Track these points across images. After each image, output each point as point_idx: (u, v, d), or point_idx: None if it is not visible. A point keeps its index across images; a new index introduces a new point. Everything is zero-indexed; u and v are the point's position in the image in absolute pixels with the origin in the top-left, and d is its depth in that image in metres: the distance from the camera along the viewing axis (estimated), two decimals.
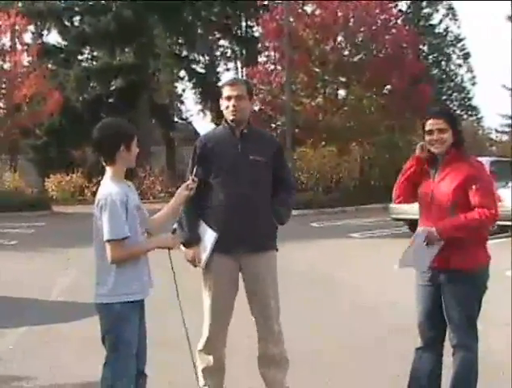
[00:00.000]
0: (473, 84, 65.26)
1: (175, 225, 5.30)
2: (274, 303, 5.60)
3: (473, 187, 4.91)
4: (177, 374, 6.22)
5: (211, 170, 5.46)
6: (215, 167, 5.46)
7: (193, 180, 5.19)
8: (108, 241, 4.46)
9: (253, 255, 5.47)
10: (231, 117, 5.49)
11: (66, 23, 48.66)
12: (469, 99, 65.25)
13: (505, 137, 52.82)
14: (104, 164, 4.66)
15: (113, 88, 48.08)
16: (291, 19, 34.21)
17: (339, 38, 36.38)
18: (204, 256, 5.48)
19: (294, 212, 5.87)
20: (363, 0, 35.13)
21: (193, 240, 5.54)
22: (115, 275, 4.54)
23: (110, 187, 4.55)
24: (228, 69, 59.31)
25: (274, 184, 5.61)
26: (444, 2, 62.33)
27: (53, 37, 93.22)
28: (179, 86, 58.00)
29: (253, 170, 5.45)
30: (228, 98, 5.47)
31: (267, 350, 5.58)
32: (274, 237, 5.68)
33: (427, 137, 5.12)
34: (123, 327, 4.56)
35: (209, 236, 5.45)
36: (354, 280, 12.22)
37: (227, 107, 5.50)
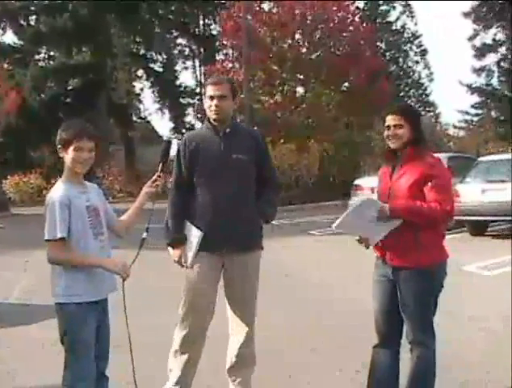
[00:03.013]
0: (430, 80, 66.17)
1: (144, 234, 5.25)
2: (255, 303, 5.63)
3: (429, 184, 4.93)
4: (139, 376, 6.19)
5: (196, 170, 5.43)
6: (198, 167, 5.42)
7: (158, 176, 5.13)
8: (46, 241, 4.46)
9: (238, 254, 5.44)
10: (213, 117, 5.46)
11: (22, 22, 48.33)
12: (427, 95, 66.06)
13: (462, 133, 53.39)
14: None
15: (70, 88, 47.85)
16: (249, 17, 34.24)
17: (297, 36, 36.55)
18: (190, 256, 5.45)
19: None
20: None
21: (179, 240, 5.51)
22: (66, 276, 4.51)
23: (56, 188, 4.55)
24: (186, 68, 59.49)
25: (258, 182, 5.57)
26: (401, 0, 62.99)
27: (9, 37, 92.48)
28: (137, 85, 58.01)
29: (237, 168, 5.41)
30: (211, 97, 5.42)
31: (240, 348, 5.59)
32: (260, 235, 5.63)
33: (385, 133, 5.16)
34: (79, 328, 4.52)
35: (194, 235, 5.43)
36: (315, 277, 12.24)
37: (209, 107, 5.45)
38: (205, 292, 5.49)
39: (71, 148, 4.57)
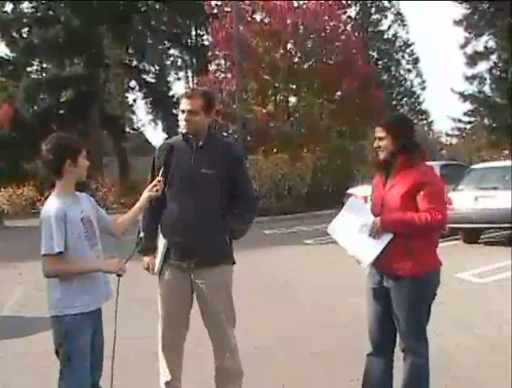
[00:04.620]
0: (423, 88, 66.33)
1: (142, 234, 5.24)
2: (228, 316, 5.54)
3: (421, 192, 4.96)
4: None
5: (166, 181, 5.38)
6: (169, 178, 5.38)
7: (159, 181, 5.19)
8: (43, 255, 4.47)
9: (203, 269, 5.40)
10: (184, 130, 5.46)
11: (14, 34, 48.20)
12: (419, 103, 66.20)
13: (454, 141, 53.44)
14: (53, 178, 4.65)
15: (63, 99, 47.70)
16: (241, 27, 34.26)
17: (289, 45, 36.59)
18: (157, 263, 5.47)
19: None
20: (313, 0, 35.45)
21: (148, 248, 5.54)
22: (61, 287, 4.52)
23: (50, 202, 4.56)
24: (178, 79, 59.45)
25: (231, 197, 5.50)
26: (393, 9, 63.21)
27: (1, 49, 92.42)
28: (130, 96, 57.88)
29: (204, 183, 5.36)
30: (182, 111, 5.41)
31: (223, 363, 5.54)
32: (226, 250, 5.55)
33: (374, 144, 5.23)
34: (74, 339, 4.53)
35: (161, 243, 5.45)
36: (310, 287, 12.24)
37: (181, 120, 5.45)
38: (174, 305, 5.52)
39: (81, 156, 4.63)
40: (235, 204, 5.52)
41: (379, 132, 5.14)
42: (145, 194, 5.18)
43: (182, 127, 5.46)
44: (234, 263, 5.62)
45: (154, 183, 5.20)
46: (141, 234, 5.28)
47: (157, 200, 5.33)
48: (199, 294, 5.49)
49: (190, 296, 5.52)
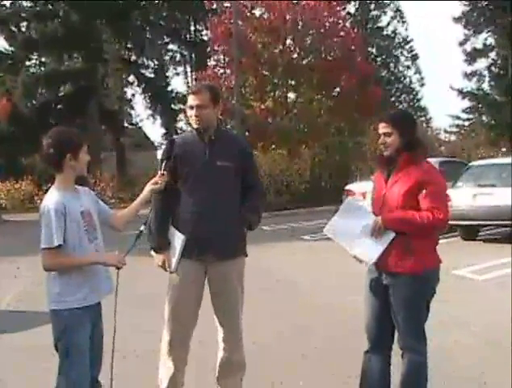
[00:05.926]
0: (422, 85, 66.55)
1: (142, 227, 5.22)
2: (241, 309, 5.59)
3: (423, 191, 4.92)
4: (134, 384, 6.18)
5: (180, 176, 5.41)
6: (183, 173, 5.40)
7: (162, 175, 5.22)
8: (42, 249, 4.46)
9: (220, 262, 5.42)
10: (195, 126, 5.45)
11: (13, 28, 48.10)
12: (418, 100, 66.35)
13: (453, 138, 53.51)
14: (54, 172, 4.64)
15: (62, 94, 47.68)
16: (240, 23, 34.21)
17: (288, 41, 36.54)
18: (174, 260, 5.43)
19: None
20: (311, 0, 35.38)
21: (162, 245, 5.50)
22: (60, 281, 4.52)
23: (50, 196, 4.55)
24: (177, 74, 59.49)
25: (243, 189, 5.53)
26: (392, 5, 63.28)
27: (0, 43, 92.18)
28: (129, 91, 57.83)
29: (221, 176, 5.39)
30: (191, 107, 5.42)
31: (230, 355, 5.57)
32: (243, 242, 5.62)
33: (379, 140, 5.18)
34: (73, 334, 4.51)
35: (177, 239, 5.41)
36: (307, 283, 12.24)
37: (191, 116, 5.46)
38: (187, 299, 5.49)
39: (82, 151, 4.62)
40: (246, 196, 5.55)
41: (385, 128, 5.09)
42: (148, 187, 5.21)
43: (193, 123, 5.46)
44: (246, 255, 5.68)
45: (157, 176, 5.23)
46: (142, 228, 5.24)
47: (170, 196, 5.37)
48: (215, 286, 5.50)
49: (202, 290, 5.53)
